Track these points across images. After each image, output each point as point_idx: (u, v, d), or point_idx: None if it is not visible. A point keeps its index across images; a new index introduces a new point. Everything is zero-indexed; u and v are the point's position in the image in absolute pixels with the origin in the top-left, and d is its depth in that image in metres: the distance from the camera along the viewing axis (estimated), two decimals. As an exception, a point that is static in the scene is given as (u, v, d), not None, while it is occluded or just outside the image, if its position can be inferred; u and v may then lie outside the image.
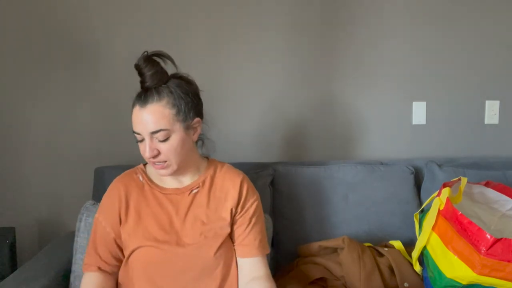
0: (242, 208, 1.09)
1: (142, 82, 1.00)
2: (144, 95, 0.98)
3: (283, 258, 1.42)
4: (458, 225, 1.10)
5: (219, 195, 1.09)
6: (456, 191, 1.27)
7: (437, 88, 1.78)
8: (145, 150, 0.99)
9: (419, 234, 1.28)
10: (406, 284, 1.26)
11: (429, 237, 1.20)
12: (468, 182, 1.34)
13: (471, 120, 1.82)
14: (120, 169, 1.21)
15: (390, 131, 1.78)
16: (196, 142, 1.10)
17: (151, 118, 0.97)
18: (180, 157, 1.01)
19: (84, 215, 1.24)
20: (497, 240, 1.01)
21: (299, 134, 1.75)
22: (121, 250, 1.07)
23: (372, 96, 1.76)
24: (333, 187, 1.50)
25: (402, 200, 1.51)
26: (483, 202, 1.34)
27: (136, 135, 1.00)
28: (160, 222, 1.04)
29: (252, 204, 1.10)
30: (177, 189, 1.08)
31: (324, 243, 1.35)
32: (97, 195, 1.40)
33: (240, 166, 1.20)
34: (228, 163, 1.18)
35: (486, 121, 1.82)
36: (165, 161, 1.00)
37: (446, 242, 1.13)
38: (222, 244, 1.04)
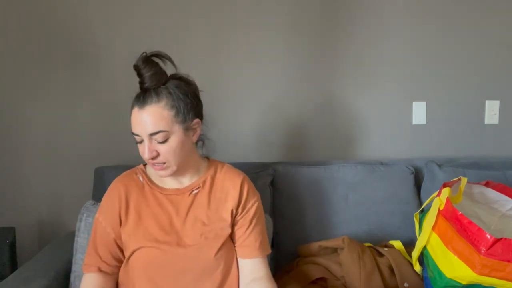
0: (243, 209, 1.08)
1: (141, 83, 0.99)
2: (143, 96, 0.98)
3: (283, 258, 1.42)
4: (458, 225, 1.10)
5: (220, 196, 1.08)
6: (456, 191, 1.27)
7: (437, 88, 1.79)
8: (144, 151, 0.98)
9: (419, 234, 1.28)
10: (406, 284, 1.26)
11: (429, 237, 1.20)
12: (468, 182, 1.34)
13: (471, 120, 1.82)
14: (120, 169, 1.21)
15: (390, 131, 1.78)
16: (196, 142, 1.10)
17: (150, 119, 0.96)
18: (179, 158, 1.01)
19: (84, 215, 1.24)
20: (497, 240, 1.01)
21: (299, 134, 1.75)
22: (121, 250, 1.06)
23: (372, 96, 1.76)
24: (333, 187, 1.50)
25: (402, 200, 1.51)
26: (483, 202, 1.34)
27: (135, 136, 1.00)
28: (160, 222, 1.04)
29: (253, 205, 1.10)
30: (177, 189, 1.08)
31: (324, 243, 1.35)
32: (97, 195, 1.40)
33: (240, 166, 1.20)
34: (228, 163, 1.18)
35: (486, 121, 1.82)
36: (164, 163, 1.00)
37: (446, 242, 1.13)
38: (222, 245, 1.03)
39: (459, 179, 1.30)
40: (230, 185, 1.09)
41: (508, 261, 1.00)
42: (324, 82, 1.73)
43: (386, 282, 1.25)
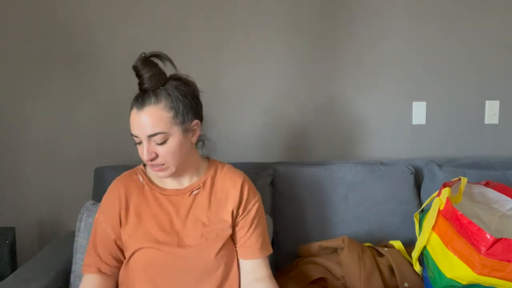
0: (244, 210, 1.08)
1: (140, 84, 0.99)
2: (141, 98, 0.97)
3: (283, 258, 1.42)
4: (458, 225, 1.10)
5: (220, 197, 1.08)
6: (456, 191, 1.27)
7: (437, 88, 1.79)
8: (143, 153, 0.98)
9: (419, 234, 1.28)
10: (406, 284, 1.26)
11: (429, 237, 1.20)
12: (468, 182, 1.34)
13: (471, 120, 1.82)
14: (120, 169, 1.21)
15: (390, 131, 1.78)
16: (196, 143, 1.09)
17: (148, 121, 0.96)
18: (178, 160, 1.01)
19: (84, 215, 1.24)
20: (497, 240, 1.01)
21: (299, 134, 1.75)
22: (121, 251, 1.06)
23: (372, 96, 1.76)
24: (333, 187, 1.50)
25: (402, 200, 1.51)
26: (483, 202, 1.34)
27: (134, 137, 1.00)
28: (160, 223, 1.03)
29: (254, 205, 1.10)
30: (177, 190, 1.08)
31: (324, 243, 1.35)
32: (97, 195, 1.40)
33: (240, 166, 1.20)
34: (228, 163, 1.17)
35: (486, 121, 1.82)
36: (163, 164, 1.00)
37: (446, 242, 1.13)
38: (223, 245, 1.03)
39: (459, 179, 1.30)
40: (231, 186, 1.09)
41: (508, 261, 1.00)
42: (324, 82, 1.73)
43: (386, 282, 1.25)
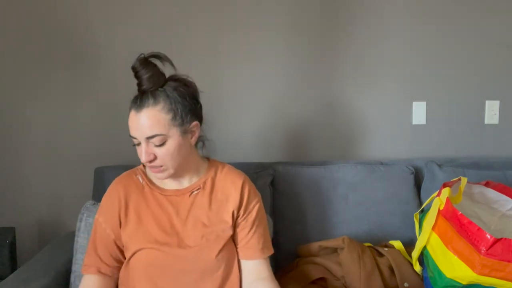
0: (245, 211, 1.08)
1: (139, 85, 0.98)
2: (140, 99, 0.97)
3: (283, 258, 1.42)
4: (458, 225, 1.10)
5: (221, 197, 1.08)
6: (456, 191, 1.27)
7: (437, 88, 1.79)
8: (141, 154, 0.98)
9: (419, 234, 1.28)
10: (406, 284, 1.26)
11: (429, 237, 1.20)
12: (468, 182, 1.34)
13: (471, 120, 1.82)
14: (120, 169, 1.21)
15: (390, 131, 1.78)
16: (196, 143, 1.09)
17: (147, 123, 0.95)
18: (176, 162, 1.00)
19: (85, 215, 1.24)
20: (497, 240, 1.01)
21: (299, 134, 1.75)
22: (121, 251, 1.06)
23: (372, 96, 1.76)
24: (333, 187, 1.50)
25: (402, 200, 1.51)
26: (483, 202, 1.34)
27: (132, 138, 0.99)
28: (160, 223, 1.03)
29: (255, 206, 1.10)
30: (177, 190, 1.07)
31: (324, 243, 1.35)
32: (97, 195, 1.40)
33: (240, 166, 1.20)
34: (228, 163, 1.17)
35: (486, 121, 1.82)
36: (161, 166, 0.99)
37: (446, 242, 1.13)
38: (223, 246, 1.03)
39: (459, 179, 1.30)
40: (231, 187, 1.09)
41: (508, 261, 1.00)
42: (324, 82, 1.73)
43: (386, 282, 1.25)
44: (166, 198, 1.06)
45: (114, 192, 1.07)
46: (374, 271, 1.25)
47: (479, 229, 1.04)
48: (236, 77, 1.69)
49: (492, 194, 1.34)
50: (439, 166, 1.57)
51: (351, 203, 1.49)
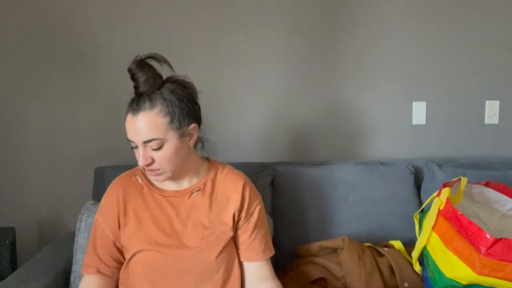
0: (246, 213, 1.07)
1: (135, 88, 0.97)
2: (136, 102, 0.95)
3: (283, 258, 1.42)
4: (458, 225, 1.10)
5: (221, 199, 1.07)
6: (456, 191, 1.27)
7: (437, 88, 1.79)
8: (139, 158, 0.97)
9: (419, 234, 1.28)
10: (406, 284, 1.26)
11: (429, 237, 1.20)
12: (468, 182, 1.34)
13: (471, 120, 1.82)
14: (120, 169, 1.21)
15: (390, 131, 1.78)
16: (196, 144, 1.08)
17: (144, 127, 0.94)
18: (174, 165, 0.99)
19: (85, 215, 1.24)
20: (497, 240, 1.01)
21: (299, 134, 1.75)
22: (121, 252, 1.06)
23: (372, 96, 1.76)
24: (333, 187, 1.50)
25: (402, 200, 1.51)
26: (483, 202, 1.34)
27: (130, 142, 0.98)
28: (160, 225, 1.03)
29: (256, 207, 1.09)
30: (177, 191, 1.07)
31: (324, 243, 1.35)
32: (97, 195, 1.40)
33: (240, 166, 1.20)
34: (228, 163, 1.17)
35: (486, 121, 1.82)
36: (159, 169, 0.99)
37: (446, 242, 1.13)
38: (224, 247, 1.02)
39: (459, 179, 1.30)
40: (232, 188, 1.08)
41: (508, 261, 1.00)
42: (324, 82, 1.73)
43: (386, 282, 1.25)
44: (165, 199, 1.06)
45: (113, 193, 1.07)
46: (374, 271, 1.25)
47: (479, 229, 1.04)
48: (236, 77, 1.69)
49: (492, 194, 1.34)
50: (439, 166, 1.57)
51: (351, 203, 1.49)
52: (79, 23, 1.61)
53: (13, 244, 1.51)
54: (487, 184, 1.37)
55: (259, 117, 1.72)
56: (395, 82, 1.76)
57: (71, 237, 1.30)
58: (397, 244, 1.39)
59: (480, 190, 1.36)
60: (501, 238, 1.01)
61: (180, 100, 0.98)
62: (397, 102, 1.78)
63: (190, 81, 1.04)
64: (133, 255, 1.01)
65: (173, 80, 1.00)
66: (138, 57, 0.95)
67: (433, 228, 1.19)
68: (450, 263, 1.10)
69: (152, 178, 1.04)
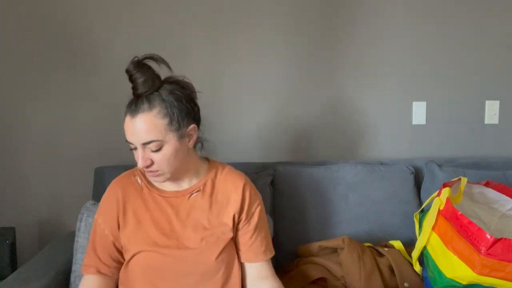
0: (247, 215, 1.07)
1: (134, 89, 0.96)
2: (134, 104, 0.94)
3: (283, 258, 1.42)
4: (458, 225, 1.10)
5: (221, 199, 1.07)
6: (456, 191, 1.27)
7: (437, 88, 1.79)
8: (138, 159, 0.96)
9: (419, 234, 1.28)
10: (406, 284, 1.26)
11: (429, 237, 1.20)
12: (468, 182, 1.34)
13: (471, 120, 1.82)
14: (120, 169, 1.21)
15: (390, 131, 1.78)
16: (195, 144, 1.07)
17: (142, 128, 0.93)
18: (173, 166, 0.99)
19: (85, 215, 1.24)
20: (497, 240, 1.01)
21: (299, 134, 1.75)
22: (120, 253, 1.05)
23: (372, 96, 1.76)
24: (333, 187, 1.50)
25: (402, 200, 1.51)
26: (483, 202, 1.34)
27: (129, 143, 0.98)
28: (160, 226, 1.02)
29: (256, 208, 1.09)
30: (177, 192, 1.06)
31: (324, 243, 1.35)
32: (97, 195, 1.40)
33: (240, 166, 1.20)
34: (228, 163, 1.17)
35: (486, 121, 1.82)
36: (158, 170, 0.98)
37: (446, 242, 1.13)
38: (224, 248, 1.02)
39: (459, 179, 1.30)
40: (232, 189, 1.08)
41: (508, 261, 1.00)
42: (324, 82, 1.73)
43: (386, 282, 1.25)
44: (165, 200, 1.05)
45: (112, 193, 1.07)
46: (374, 271, 1.25)
47: (479, 229, 1.04)
48: (236, 77, 1.69)
49: (492, 194, 1.34)
50: (439, 166, 1.57)
51: (351, 203, 1.49)
52: (79, 23, 1.61)
53: (13, 244, 1.51)
54: (487, 184, 1.37)
55: (259, 117, 1.72)
56: (395, 82, 1.76)
57: (71, 237, 1.30)
58: (397, 244, 1.39)
59: (480, 190, 1.36)
60: (501, 238, 1.01)
61: (179, 101, 0.97)
62: (397, 102, 1.78)
63: (189, 81, 1.03)
64: (133, 256, 1.01)
65: (171, 81, 1.00)
66: (136, 58, 0.95)
67: (433, 228, 1.19)
68: (450, 263, 1.10)
69: (152, 179, 1.03)
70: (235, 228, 1.07)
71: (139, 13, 1.62)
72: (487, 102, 1.81)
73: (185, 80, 1.02)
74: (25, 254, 1.64)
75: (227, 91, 1.69)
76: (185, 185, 1.07)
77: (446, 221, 1.15)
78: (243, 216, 1.07)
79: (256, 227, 1.08)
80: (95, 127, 1.65)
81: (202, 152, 1.13)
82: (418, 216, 1.35)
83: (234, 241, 1.08)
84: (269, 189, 1.47)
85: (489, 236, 1.02)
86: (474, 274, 1.04)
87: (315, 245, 1.36)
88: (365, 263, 1.25)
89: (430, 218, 1.20)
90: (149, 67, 0.95)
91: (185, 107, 0.98)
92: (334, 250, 1.35)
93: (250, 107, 1.71)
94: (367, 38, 1.73)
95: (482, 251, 1.02)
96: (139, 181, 1.08)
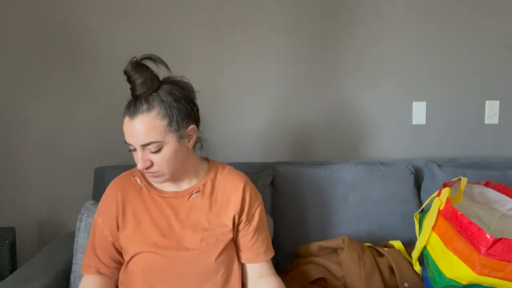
0: (247, 216, 1.07)
1: (132, 90, 0.94)
2: (133, 105, 0.93)
3: (283, 258, 1.42)
4: (458, 225, 1.10)
5: (221, 200, 1.06)
6: (456, 191, 1.27)
7: (437, 88, 1.79)
8: (138, 161, 0.96)
9: (419, 234, 1.28)
10: (406, 284, 1.26)
11: (429, 237, 1.20)
12: (468, 182, 1.34)
13: (471, 120, 1.82)
14: (120, 169, 1.21)
15: (390, 131, 1.78)
16: (195, 145, 1.07)
17: (142, 130, 0.92)
18: (172, 167, 0.99)
19: (85, 215, 1.24)
20: (497, 240, 1.01)
21: (299, 134, 1.75)
22: (120, 253, 1.05)
23: (372, 96, 1.76)
24: (333, 187, 1.50)
25: (402, 200, 1.51)
26: (483, 202, 1.34)
27: (128, 145, 0.97)
28: (159, 227, 1.02)
29: (257, 209, 1.09)
30: (176, 192, 1.06)
31: (324, 243, 1.35)
32: (97, 195, 1.40)
33: (240, 166, 1.20)
34: (228, 163, 1.17)
35: (486, 121, 1.82)
36: (157, 171, 0.98)
37: (446, 242, 1.13)
38: (223, 249, 1.02)
39: (459, 179, 1.30)
40: (232, 189, 1.07)
41: (508, 261, 1.00)
42: (324, 82, 1.73)
43: (386, 282, 1.25)
44: (164, 200, 1.05)
45: (111, 194, 1.06)
46: (374, 271, 1.25)
47: (479, 229, 1.04)
48: (236, 77, 1.69)
49: (492, 194, 1.34)
50: (439, 166, 1.57)
51: (351, 203, 1.49)
52: (79, 23, 1.61)
53: (13, 244, 1.51)
54: (487, 184, 1.37)
55: (259, 117, 1.72)
56: (395, 82, 1.76)
57: (71, 237, 1.30)
58: (397, 244, 1.39)
59: (480, 190, 1.36)
60: (501, 238, 1.01)
61: (178, 101, 0.96)
62: (397, 102, 1.78)
63: (188, 81, 1.02)
64: (132, 257, 1.01)
65: (170, 81, 0.99)
66: (134, 59, 0.94)
67: (433, 228, 1.19)
68: (450, 263, 1.10)
69: (151, 180, 1.03)
70: (235, 229, 1.06)
71: (139, 13, 1.62)
72: (487, 102, 1.81)
73: (184, 80, 1.02)
74: (25, 254, 1.64)
75: (227, 91, 1.69)
76: (184, 185, 1.07)
77: (446, 221, 1.15)
78: (244, 217, 1.06)
79: (257, 228, 1.08)
80: (95, 127, 1.65)
81: (202, 152, 1.13)
82: (418, 216, 1.35)
83: (234, 242, 1.08)
84: (269, 189, 1.47)
85: (489, 236, 1.02)
86: (474, 274, 1.04)
87: (315, 245, 1.36)
88: (365, 263, 1.25)
89: (430, 218, 1.20)
90: (147, 68, 0.95)
91: (184, 107, 0.97)
92: (334, 250, 1.35)
93: (250, 107, 1.71)
94: (367, 38, 1.73)
95: (482, 251, 1.02)
96: (139, 181, 1.08)
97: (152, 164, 0.97)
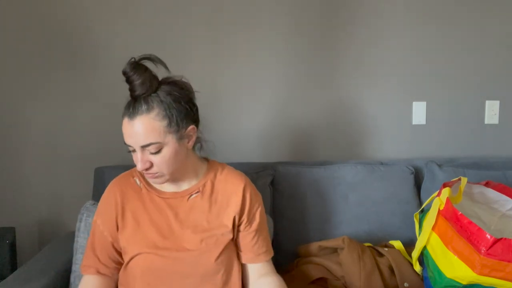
0: (248, 217, 1.07)
1: (131, 91, 0.93)
2: (132, 106, 0.93)
3: (283, 258, 1.42)
4: (458, 225, 1.10)
5: (221, 200, 1.06)
6: (456, 191, 1.27)
7: (437, 88, 1.79)
8: (137, 162, 0.95)
9: (419, 234, 1.28)
10: (406, 284, 1.26)
11: (429, 237, 1.20)
12: (468, 182, 1.34)
13: (471, 120, 1.82)
14: (120, 169, 1.21)
15: (390, 131, 1.79)
16: (194, 145, 1.06)
17: (141, 131, 0.92)
18: (172, 168, 0.98)
19: (84, 215, 1.24)
20: (497, 240, 1.01)
21: (299, 134, 1.75)
22: (120, 254, 1.05)
23: (372, 96, 1.76)
24: (333, 187, 1.50)
25: (402, 200, 1.51)
26: (483, 202, 1.34)
27: (128, 146, 0.97)
28: (159, 227, 1.02)
29: (257, 209, 1.09)
30: (176, 193, 1.06)
31: (324, 243, 1.35)
32: (97, 195, 1.40)
33: (240, 166, 1.20)
34: (228, 163, 1.17)
35: (486, 121, 1.82)
36: (157, 172, 0.98)
37: (446, 242, 1.13)
38: (223, 250, 1.02)
39: (459, 179, 1.30)
40: (232, 190, 1.07)
41: (508, 261, 1.00)
42: (324, 82, 1.73)
43: (386, 282, 1.25)
44: (164, 201, 1.05)
45: (111, 195, 1.06)
46: (374, 271, 1.25)
47: (479, 229, 1.04)
48: (236, 77, 1.69)
49: (492, 194, 1.34)
50: (439, 166, 1.57)
51: (351, 203, 1.49)
52: (79, 23, 1.61)
53: (13, 244, 1.51)
54: (487, 184, 1.37)
55: (259, 117, 1.72)
56: (395, 82, 1.76)
57: (71, 237, 1.30)
58: (397, 244, 1.39)
59: (480, 190, 1.36)
60: (501, 238, 1.01)
61: (178, 102, 0.96)
62: (397, 102, 1.78)
63: (187, 81, 1.02)
64: (132, 258, 1.00)
65: (169, 82, 0.98)
66: (133, 59, 0.93)
67: (433, 228, 1.19)
68: (450, 263, 1.10)
69: (151, 181, 1.03)
70: (236, 230, 1.06)
71: (139, 13, 1.62)
72: (487, 102, 1.81)
73: (183, 80, 1.01)
74: (25, 254, 1.64)
75: (227, 91, 1.69)
76: (184, 186, 1.07)
77: (446, 221, 1.15)
78: (244, 218, 1.06)
79: (258, 229, 1.08)
80: (95, 127, 1.65)
81: (202, 153, 1.13)
82: (418, 216, 1.35)
83: (234, 242, 1.08)
84: (269, 189, 1.47)
85: (489, 236, 1.02)
86: (474, 274, 1.04)
87: (315, 245, 1.36)
88: (365, 263, 1.25)
89: (430, 218, 1.20)
90: (146, 68, 0.94)
91: (183, 108, 0.97)
92: (334, 250, 1.35)
93: (250, 107, 1.71)
94: (367, 38, 1.73)
95: (482, 251, 1.02)
96: (138, 182, 1.08)
97: (152, 165, 0.96)
